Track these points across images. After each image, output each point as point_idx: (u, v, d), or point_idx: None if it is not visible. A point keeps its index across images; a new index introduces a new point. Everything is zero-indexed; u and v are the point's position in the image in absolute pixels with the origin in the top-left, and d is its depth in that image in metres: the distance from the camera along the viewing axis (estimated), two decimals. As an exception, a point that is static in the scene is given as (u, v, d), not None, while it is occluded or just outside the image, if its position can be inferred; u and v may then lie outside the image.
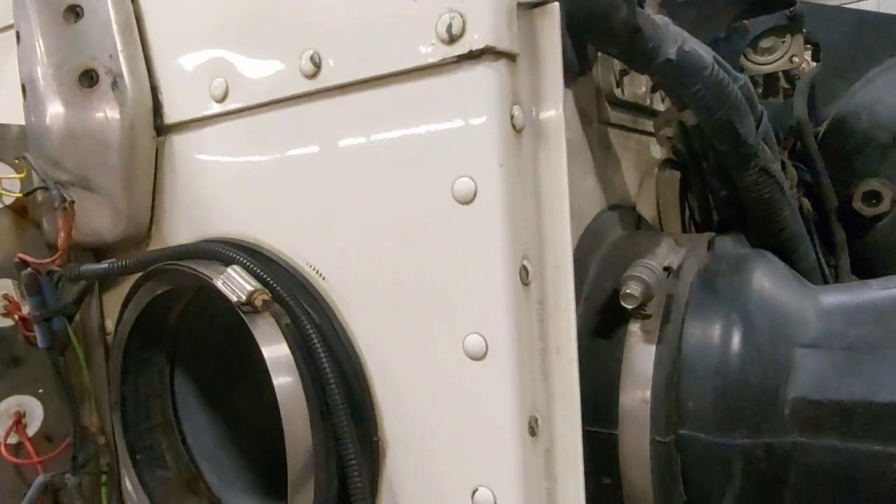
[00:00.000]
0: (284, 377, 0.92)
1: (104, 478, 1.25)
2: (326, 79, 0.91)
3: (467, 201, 0.82)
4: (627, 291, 0.86)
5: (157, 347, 1.23)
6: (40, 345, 1.15)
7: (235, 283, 0.92)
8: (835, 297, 0.92)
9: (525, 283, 0.84)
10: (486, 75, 0.80)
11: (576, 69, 0.98)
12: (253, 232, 1.04)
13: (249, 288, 0.91)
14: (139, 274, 1.10)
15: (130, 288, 1.14)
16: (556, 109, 0.85)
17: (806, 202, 1.35)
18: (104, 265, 1.11)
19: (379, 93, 0.88)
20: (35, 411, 1.26)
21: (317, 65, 0.91)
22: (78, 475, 1.18)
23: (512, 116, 0.82)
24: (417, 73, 0.84)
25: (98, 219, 1.16)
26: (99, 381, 1.28)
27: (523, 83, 0.84)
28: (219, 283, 0.92)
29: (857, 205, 1.33)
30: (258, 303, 0.90)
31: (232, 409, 1.38)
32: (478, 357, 0.83)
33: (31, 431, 1.25)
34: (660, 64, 0.89)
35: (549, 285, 0.86)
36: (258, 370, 1.02)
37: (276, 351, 0.93)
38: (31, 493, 1.16)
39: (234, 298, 0.90)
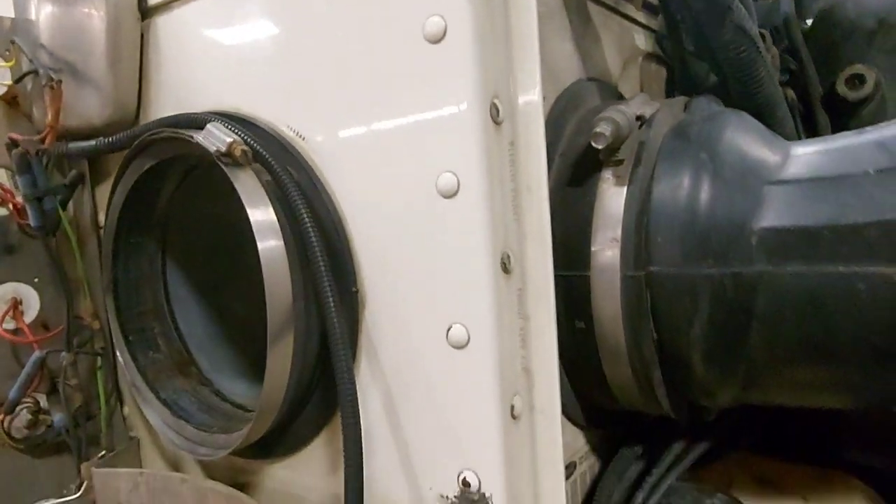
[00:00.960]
0: (267, 235, 0.94)
1: (99, 360, 1.28)
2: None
3: (437, 40, 0.83)
4: (597, 130, 0.86)
5: (146, 234, 1.26)
6: (32, 224, 1.17)
7: (215, 137, 0.93)
8: (807, 146, 0.93)
9: (496, 122, 0.85)
10: None
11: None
12: (235, 103, 1.06)
13: (228, 140, 0.92)
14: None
15: (118, 169, 1.16)
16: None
17: (790, 92, 1.35)
18: (91, 142, 1.13)
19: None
20: (32, 300, 1.30)
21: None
22: (72, 353, 1.21)
23: (478, -45, 0.82)
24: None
25: (86, 104, 1.18)
26: (92, 270, 1.31)
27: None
28: (199, 138, 0.94)
29: (841, 88, 1.32)
30: (238, 153, 0.92)
31: (222, 304, 1.41)
32: (450, 195, 0.84)
33: (28, 319, 1.28)
34: None
35: (521, 125, 0.87)
36: (247, 262, 1.04)
37: (258, 208, 0.94)
38: (28, 369, 1.20)
39: (214, 149, 0.92)
